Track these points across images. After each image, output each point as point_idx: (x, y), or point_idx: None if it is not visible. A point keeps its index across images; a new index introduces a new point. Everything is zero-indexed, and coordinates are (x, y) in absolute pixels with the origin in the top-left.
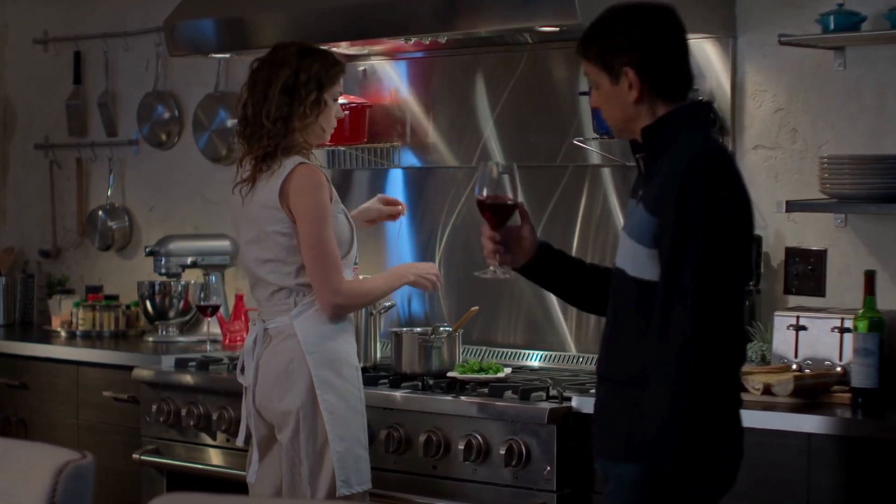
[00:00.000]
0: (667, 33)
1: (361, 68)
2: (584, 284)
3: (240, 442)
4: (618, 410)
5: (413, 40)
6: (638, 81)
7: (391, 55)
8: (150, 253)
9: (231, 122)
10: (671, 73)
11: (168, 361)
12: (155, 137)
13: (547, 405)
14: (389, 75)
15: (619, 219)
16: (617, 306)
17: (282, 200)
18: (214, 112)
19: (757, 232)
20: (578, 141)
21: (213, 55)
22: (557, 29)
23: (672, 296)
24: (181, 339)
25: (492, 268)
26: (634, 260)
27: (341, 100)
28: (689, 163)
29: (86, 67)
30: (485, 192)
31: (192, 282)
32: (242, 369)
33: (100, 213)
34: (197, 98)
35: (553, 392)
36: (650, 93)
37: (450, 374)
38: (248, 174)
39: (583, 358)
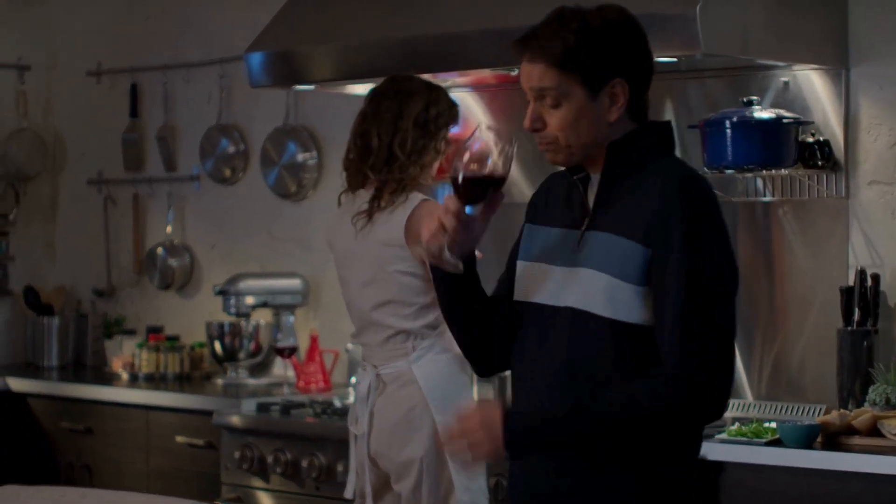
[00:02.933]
0: (647, 44)
1: None
2: (491, 313)
3: (349, 494)
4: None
5: (515, 71)
6: (625, 98)
7: (474, 86)
8: (221, 292)
9: (302, 157)
10: (647, 90)
11: (248, 405)
12: (219, 172)
13: None
14: (470, 107)
15: None
16: (573, 357)
17: (407, 237)
18: (284, 146)
19: (874, 270)
20: None
21: (300, 87)
22: (675, 60)
23: (695, 338)
24: (252, 381)
25: (447, 254)
26: (612, 300)
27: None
28: (682, 185)
29: (142, 100)
30: (468, 161)
31: (263, 322)
32: (356, 418)
33: (159, 250)
34: (263, 132)
35: None
36: (626, 112)
37: None
38: (365, 208)
39: None
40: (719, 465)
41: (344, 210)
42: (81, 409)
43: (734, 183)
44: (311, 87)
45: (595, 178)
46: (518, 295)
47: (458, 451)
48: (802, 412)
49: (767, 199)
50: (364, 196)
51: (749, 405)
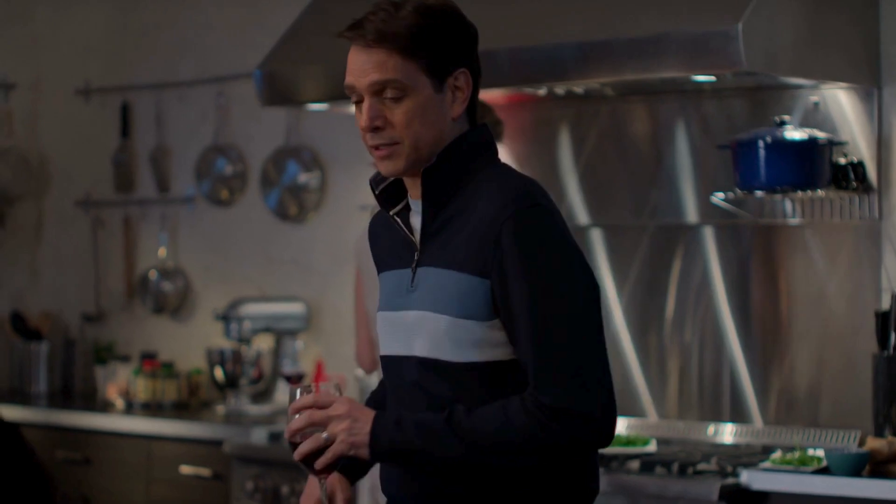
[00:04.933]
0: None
1: None
2: None
3: None
4: None
5: (542, 90)
6: (468, 91)
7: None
8: (222, 318)
9: (304, 178)
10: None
11: (259, 434)
12: (215, 193)
13: (715, 481)
14: None
15: (720, 284)
16: (433, 408)
17: None
18: (284, 167)
19: None
20: (720, 200)
21: (313, 106)
22: (715, 79)
23: (558, 366)
24: (255, 408)
25: None
26: (459, 342)
27: None
28: (514, 204)
29: (134, 119)
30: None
31: (266, 347)
32: None
33: (152, 273)
34: (262, 152)
35: (714, 465)
36: (466, 110)
37: None
38: None
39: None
40: (764, 495)
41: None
42: (77, 439)
43: (762, 204)
44: (324, 105)
45: (418, 205)
46: (379, 350)
47: (307, 435)
48: (838, 439)
49: (795, 221)
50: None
51: (779, 432)
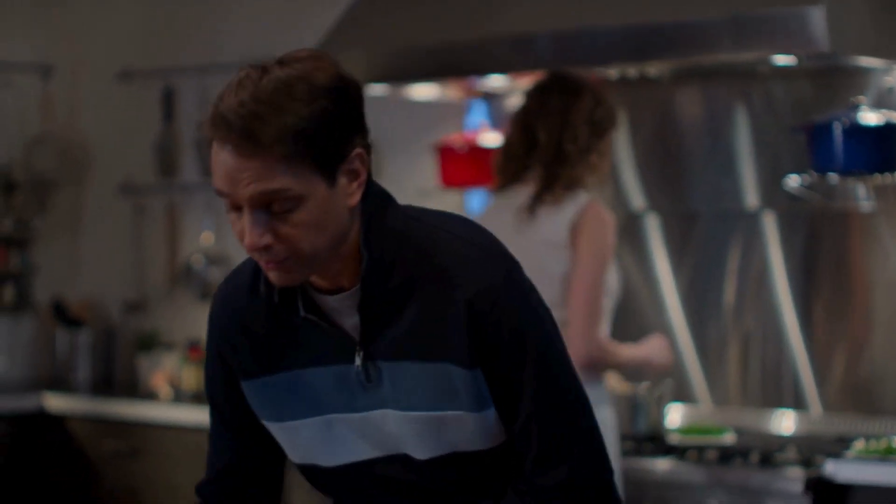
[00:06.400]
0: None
1: None
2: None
3: None
4: None
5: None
6: (365, 169)
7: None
8: None
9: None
10: None
11: None
12: None
13: (799, 472)
14: None
15: (780, 270)
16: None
17: (571, 237)
18: None
19: None
20: (795, 186)
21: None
22: (795, 62)
23: (559, 448)
24: None
25: None
26: (484, 431)
27: None
28: (478, 283)
29: (177, 103)
30: None
31: None
32: None
33: (196, 259)
34: None
35: (794, 455)
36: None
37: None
38: (528, 204)
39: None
40: (847, 488)
41: (496, 205)
42: (124, 430)
43: (835, 189)
44: (384, 87)
45: (345, 295)
46: (317, 458)
47: None
48: None
49: (867, 206)
50: (521, 192)
51: (845, 420)
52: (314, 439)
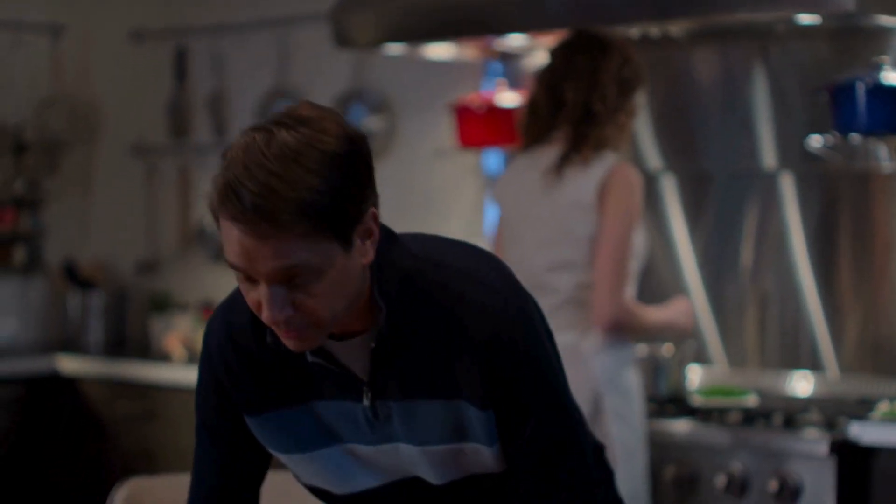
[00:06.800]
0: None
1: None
2: None
3: None
4: None
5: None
6: (378, 226)
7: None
8: None
9: (371, 122)
10: None
11: None
12: None
13: (823, 434)
14: None
15: (798, 231)
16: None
17: (598, 198)
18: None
19: None
20: (817, 147)
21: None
22: (819, 20)
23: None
24: None
25: None
26: (494, 460)
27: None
28: (491, 328)
29: (190, 64)
30: None
31: None
32: None
33: (209, 219)
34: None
35: (817, 417)
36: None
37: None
38: (555, 164)
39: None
40: (871, 451)
41: (521, 166)
42: (138, 392)
43: (856, 150)
44: (401, 46)
45: (355, 341)
46: (329, 485)
47: None
48: None
49: (889, 168)
50: (548, 152)
51: (863, 383)
52: (325, 469)
